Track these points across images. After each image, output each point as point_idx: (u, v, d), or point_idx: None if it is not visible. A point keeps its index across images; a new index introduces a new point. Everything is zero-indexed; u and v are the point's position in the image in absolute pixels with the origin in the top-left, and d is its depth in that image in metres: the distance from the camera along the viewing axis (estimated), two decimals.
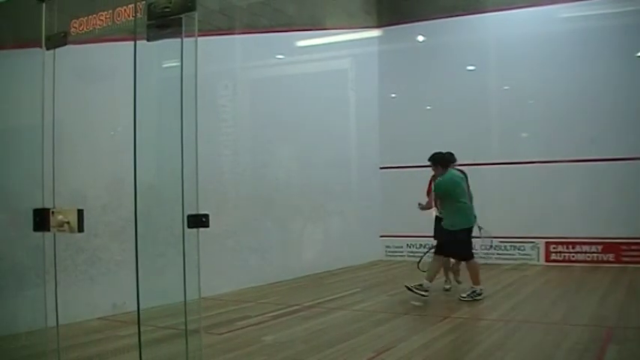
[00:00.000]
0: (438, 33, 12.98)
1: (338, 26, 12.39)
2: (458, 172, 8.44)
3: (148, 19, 3.42)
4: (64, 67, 3.97)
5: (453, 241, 8.09)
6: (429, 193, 8.85)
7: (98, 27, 3.80)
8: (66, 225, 3.64)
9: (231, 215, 9.03)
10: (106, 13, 3.75)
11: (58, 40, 3.86)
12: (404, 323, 6.84)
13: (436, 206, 8.66)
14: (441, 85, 12.96)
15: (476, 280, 8.11)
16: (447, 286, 8.91)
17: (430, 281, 7.96)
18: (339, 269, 11.49)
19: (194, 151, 3.77)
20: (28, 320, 5.82)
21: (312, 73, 11.54)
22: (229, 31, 9.50)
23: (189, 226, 3.69)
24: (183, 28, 3.31)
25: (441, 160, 8.38)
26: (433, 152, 8.50)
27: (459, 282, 8.94)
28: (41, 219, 3.74)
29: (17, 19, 5.39)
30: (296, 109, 10.80)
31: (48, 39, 3.88)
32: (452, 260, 8.85)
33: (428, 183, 8.95)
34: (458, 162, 8.76)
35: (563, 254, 11.92)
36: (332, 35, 11.99)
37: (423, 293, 7.87)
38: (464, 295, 8.08)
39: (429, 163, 8.52)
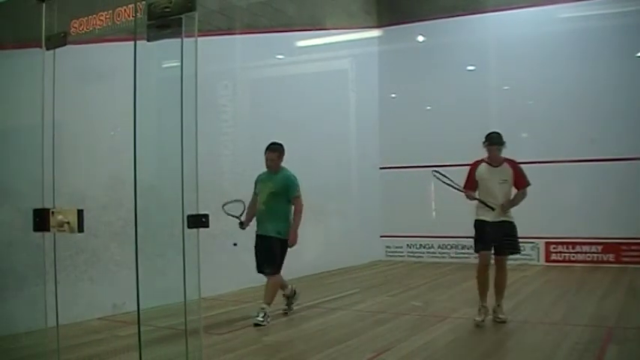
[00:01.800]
0: (438, 33, 12.99)
1: (338, 26, 12.39)
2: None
3: (148, 20, 3.42)
4: (64, 68, 3.97)
5: (282, 250, 7.05)
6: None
7: (98, 27, 3.80)
8: (66, 225, 3.64)
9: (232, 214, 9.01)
10: (105, 13, 3.75)
11: (58, 40, 3.86)
12: (404, 323, 6.84)
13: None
14: (441, 85, 12.97)
15: (272, 300, 7.06)
16: (480, 318, 6.65)
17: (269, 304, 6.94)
18: (340, 269, 11.49)
19: (194, 151, 3.76)
20: (28, 320, 5.83)
21: (312, 73, 11.53)
22: (229, 31, 9.50)
23: (189, 226, 3.69)
24: (183, 28, 3.31)
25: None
26: (272, 142, 7.20)
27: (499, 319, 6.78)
28: (41, 219, 3.74)
29: (17, 19, 5.39)
30: (296, 109, 10.80)
31: (48, 39, 3.88)
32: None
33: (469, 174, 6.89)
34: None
35: (563, 254, 11.93)
36: (332, 35, 11.99)
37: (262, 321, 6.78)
38: (260, 319, 6.75)
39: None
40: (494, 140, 6.57)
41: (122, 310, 7.12)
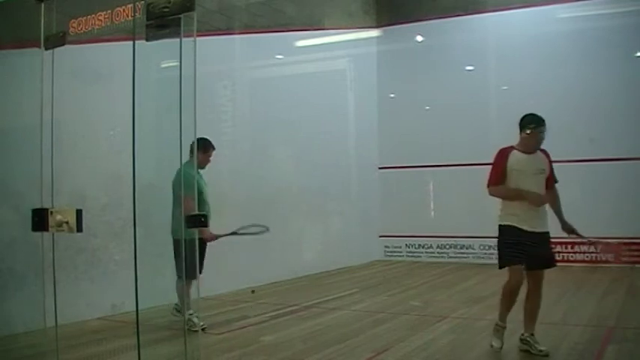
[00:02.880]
0: (437, 33, 12.98)
1: (337, 26, 12.39)
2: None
3: (147, 19, 3.42)
4: (62, 67, 3.97)
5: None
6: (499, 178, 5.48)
7: (97, 27, 3.81)
8: (65, 225, 3.64)
9: (229, 215, 9.01)
10: (104, 13, 3.75)
11: (56, 40, 3.86)
12: (403, 323, 6.84)
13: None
14: (440, 85, 12.96)
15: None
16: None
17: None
18: (338, 269, 11.49)
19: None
20: (27, 320, 5.83)
21: (311, 73, 11.53)
22: (228, 31, 9.49)
23: (188, 226, 3.69)
24: (182, 28, 3.31)
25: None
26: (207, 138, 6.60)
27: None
28: (40, 219, 3.74)
29: (16, 19, 5.39)
30: (295, 108, 10.80)
31: (47, 39, 3.88)
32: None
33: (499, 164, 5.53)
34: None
35: (562, 254, 11.91)
36: (331, 35, 11.99)
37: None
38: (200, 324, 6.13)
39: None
40: (541, 122, 5.33)
41: (121, 310, 7.12)
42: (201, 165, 6.63)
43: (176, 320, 6.66)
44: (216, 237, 6.40)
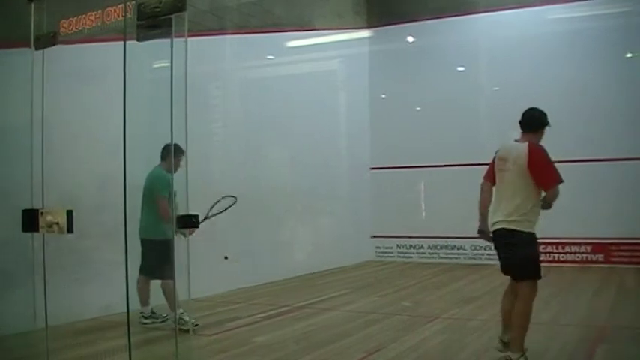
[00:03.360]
0: (429, 34, 13.01)
1: (328, 27, 12.40)
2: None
3: (138, 20, 3.42)
4: (53, 68, 3.95)
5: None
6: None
7: (88, 27, 3.79)
8: (55, 226, 3.63)
9: (221, 216, 8.98)
10: (95, 13, 3.74)
11: (47, 40, 3.85)
12: (394, 324, 6.85)
13: None
14: (432, 85, 12.99)
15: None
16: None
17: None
18: (330, 270, 11.49)
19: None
20: (17, 322, 5.79)
21: (303, 73, 11.54)
22: (220, 31, 9.48)
23: (179, 227, 3.69)
24: (173, 28, 3.31)
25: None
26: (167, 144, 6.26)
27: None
28: (30, 220, 3.72)
29: (6, 19, 5.36)
30: (287, 109, 10.80)
31: (37, 39, 3.87)
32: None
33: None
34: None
35: (552, 254, 11.97)
36: (322, 36, 12.01)
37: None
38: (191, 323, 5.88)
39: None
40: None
41: (113, 311, 7.08)
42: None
43: (149, 327, 6.59)
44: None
